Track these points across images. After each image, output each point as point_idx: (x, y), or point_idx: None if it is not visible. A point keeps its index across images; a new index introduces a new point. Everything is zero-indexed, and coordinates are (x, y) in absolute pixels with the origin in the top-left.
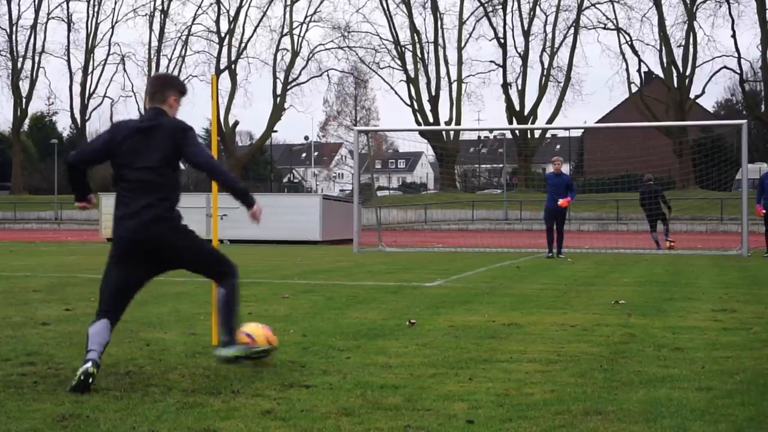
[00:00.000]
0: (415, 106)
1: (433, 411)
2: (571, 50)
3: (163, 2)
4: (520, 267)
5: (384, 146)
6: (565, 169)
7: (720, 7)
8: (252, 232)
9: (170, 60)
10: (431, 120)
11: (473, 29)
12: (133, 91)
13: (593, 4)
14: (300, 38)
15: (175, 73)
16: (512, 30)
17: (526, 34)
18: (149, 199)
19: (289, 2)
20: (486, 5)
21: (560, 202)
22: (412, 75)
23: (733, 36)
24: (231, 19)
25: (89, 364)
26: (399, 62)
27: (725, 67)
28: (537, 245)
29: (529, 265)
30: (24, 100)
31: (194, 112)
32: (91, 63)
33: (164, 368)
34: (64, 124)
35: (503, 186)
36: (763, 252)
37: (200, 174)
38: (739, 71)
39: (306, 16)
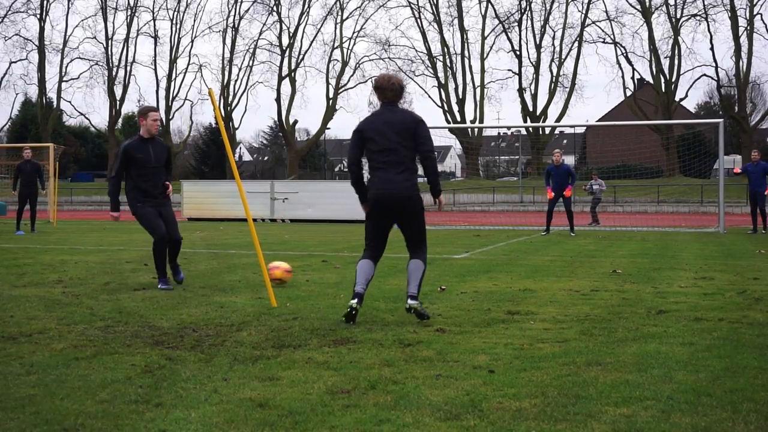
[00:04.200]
0: (445, 108)
1: (460, 362)
2: (576, 61)
3: (234, 21)
4: (533, 242)
5: None
6: (570, 160)
7: (700, 24)
8: (308, 213)
9: (240, 69)
10: (459, 119)
11: (493, 43)
12: (210, 95)
13: (594, 22)
14: (348, 51)
15: (243, 80)
16: (526, 44)
17: (538, 47)
18: None
19: (339, 21)
20: (504, 23)
21: (564, 193)
22: (443, 81)
23: (711, 49)
24: (291, 34)
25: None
26: (431, 71)
27: (705, 74)
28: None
29: (540, 240)
30: (118, 102)
31: (259, 112)
32: (174, 71)
33: (235, 327)
34: None
35: (519, 174)
36: (737, 230)
37: (265, 164)
38: (716, 78)
39: (353, 32)
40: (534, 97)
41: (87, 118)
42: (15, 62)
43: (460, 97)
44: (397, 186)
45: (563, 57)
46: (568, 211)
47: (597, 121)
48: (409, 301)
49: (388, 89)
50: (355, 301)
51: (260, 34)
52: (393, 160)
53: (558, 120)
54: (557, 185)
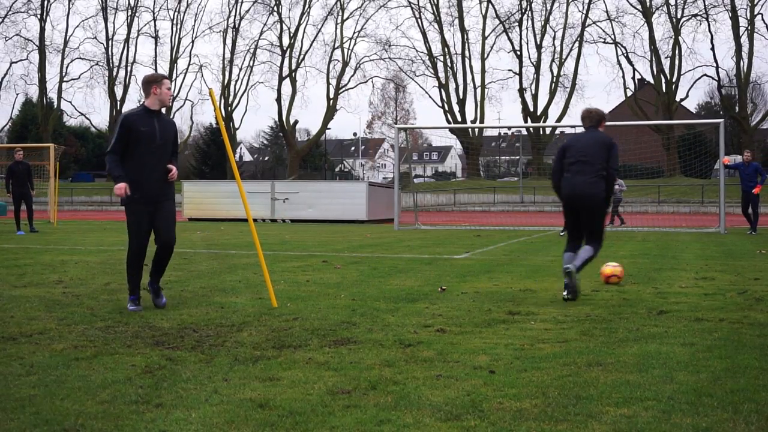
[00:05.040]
0: (446, 108)
1: (461, 363)
2: (576, 61)
3: (234, 21)
4: (533, 242)
5: (420, 141)
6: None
7: (700, 24)
8: (309, 213)
9: (240, 69)
10: (459, 119)
11: (494, 43)
12: (210, 95)
13: (594, 22)
14: (349, 51)
15: (244, 80)
16: (527, 44)
17: (539, 47)
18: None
19: (339, 21)
20: (504, 23)
21: None
22: (443, 81)
23: (712, 49)
24: (291, 35)
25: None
26: (432, 71)
27: (705, 74)
28: (548, 224)
29: (541, 240)
30: (119, 102)
31: (259, 112)
32: (174, 72)
33: (236, 327)
34: None
35: (519, 174)
36: (737, 230)
37: (265, 164)
38: (717, 78)
39: (354, 33)
40: (534, 97)
41: (87, 119)
42: (15, 62)
43: (461, 97)
44: (583, 187)
45: (564, 57)
46: None
47: None
48: (568, 265)
49: (587, 118)
50: (566, 292)
51: (261, 34)
52: (584, 168)
53: (558, 120)
54: None
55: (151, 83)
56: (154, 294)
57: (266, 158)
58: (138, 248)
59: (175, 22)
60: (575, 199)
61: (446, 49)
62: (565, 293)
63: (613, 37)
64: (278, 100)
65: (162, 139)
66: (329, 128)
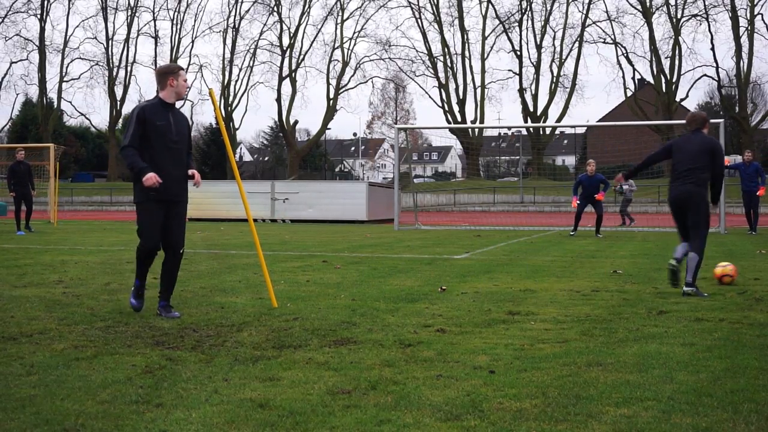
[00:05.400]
0: (446, 108)
1: (461, 363)
2: (576, 61)
3: (234, 21)
4: (533, 242)
5: (420, 141)
6: (571, 160)
7: (700, 24)
8: (309, 213)
9: (240, 69)
10: (459, 119)
11: (494, 43)
12: (210, 95)
13: (594, 22)
14: (349, 51)
15: (244, 80)
16: (527, 44)
17: (539, 47)
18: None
19: (339, 21)
20: (504, 23)
21: (596, 196)
22: (443, 82)
23: (712, 49)
24: (291, 35)
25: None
26: (432, 71)
27: (705, 75)
28: (548, 224)
29: (541, 240)
30: (119, 102)
31: (259, 112)
32: None
33: (236, 327)
34: None
35: (519, 174)
36: (737, 230)
37: (265, 164)
38: (717, 79)
39: (354, 33)
40: (534, 97)
41: (87, 119)
42: (15, 62)
43: (461, 97)
44: (685, 188)
45: (564, 57)
46: (599, 214)
47: (597, 121)
48: (684, 288)
49: (693, 122)
50: (674, 261)
51: (261, 34)
52: (693, 174)
53: (558, 120)
54: (588, 195)
55: (167, 75)
56: (165, 312)
57: (266, 158)
58: (150, 248)
59: (175, 22)
60: (681, 201)
61: (446, 49)
62: (673, 261)
63: (613, 37)
64: (278, 100)
65: (178, 134)
66: (329, 128)
